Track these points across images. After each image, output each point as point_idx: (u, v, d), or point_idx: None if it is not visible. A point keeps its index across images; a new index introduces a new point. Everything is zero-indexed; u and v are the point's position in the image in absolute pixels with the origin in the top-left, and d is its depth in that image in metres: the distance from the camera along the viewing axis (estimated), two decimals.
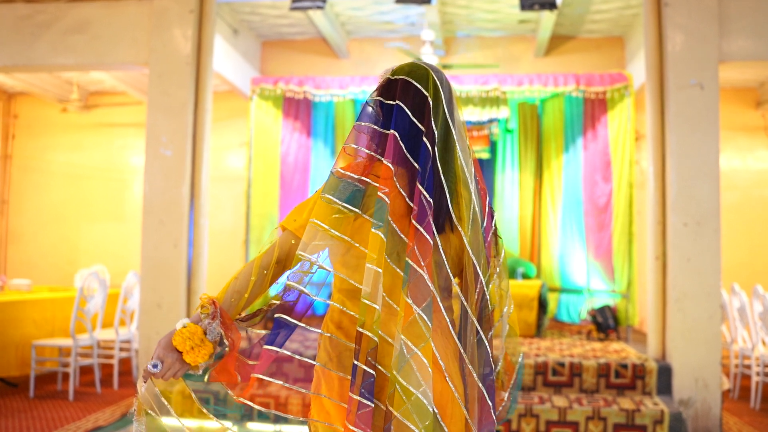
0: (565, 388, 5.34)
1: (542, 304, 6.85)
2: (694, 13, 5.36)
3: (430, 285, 1.61)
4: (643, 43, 5.99)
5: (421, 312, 1.60)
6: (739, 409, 5.85)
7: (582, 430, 4.83)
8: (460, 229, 1.70)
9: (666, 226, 5.42)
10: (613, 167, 7.25)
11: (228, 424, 1.84)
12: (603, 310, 6.84)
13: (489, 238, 1.78)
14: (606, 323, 6.75)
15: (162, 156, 5.73)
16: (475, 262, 1.70)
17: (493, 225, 1.81)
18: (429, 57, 7.37)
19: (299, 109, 7.93)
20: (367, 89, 7.57)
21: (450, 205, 1.69)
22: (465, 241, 1.69)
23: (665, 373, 5.27)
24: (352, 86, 7.62)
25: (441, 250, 1.67)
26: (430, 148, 1.67)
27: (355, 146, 1.74)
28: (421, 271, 1.61)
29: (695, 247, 5.26)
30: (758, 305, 5.98)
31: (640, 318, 7.55)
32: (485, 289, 1.72)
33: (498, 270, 1.81)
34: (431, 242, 1.62)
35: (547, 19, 7.23)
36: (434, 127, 1.69)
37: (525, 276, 7.54)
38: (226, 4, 7.33)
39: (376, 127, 1.74)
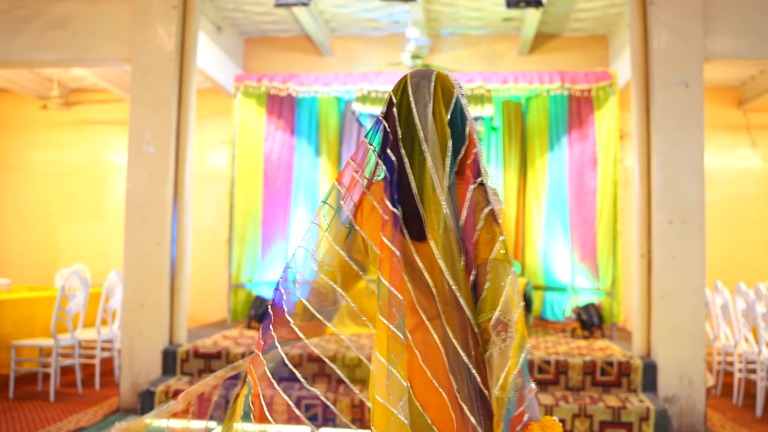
0: (551, 386, 5.34)
1: (526, 303, 6.85)
2: (680, 11, 5.38)
3: (400, 297, 1.60)
4: (627, 41, 6.02)
5: (394, 327, 1.60)
6: (722, 405, 5.90)
7: (568, 427, 4.83)
8: (428, 236, 1.65)
9: (651, 224, 5.43)
10: (598, 165, 7.26)
11: (212, 423, 1.86)
12: (587, 308, 6.86)
13: (475, 236, 1.65)
14: (590, 321, 6.76)
15: (145, 153, 5.66)
16: (444, 268, 1.63)
17: (481, 220, 1.65)
18: (407, 55, 7.36)
19: (283, 107, 7.86)
20: (351, 87, 7.53)
21: (422, 213, 1.66)
22: (434, 247, 1.63)
23: (650, 370, 5.29)
24: (336, 84, 7.57)
25: (418, 260, 1.67)
26: (393, 157, 1.68)
27: (355, 161, 1.77)
28: (391, 286, 1.61)
29: (680, 245, 5.29)
30: (741, 302, 6.03)
31: (624, 316, 7.58)
32: (458, 295, 1.63)
33: (490, 268, 1.64)
34: (400, 254, 1.62)
35: (531, 17, 7.23)
36: (399, 132, 1.70)
37: None
38: (210, 1, 7.26)
39: (371, 143, 1.77)
